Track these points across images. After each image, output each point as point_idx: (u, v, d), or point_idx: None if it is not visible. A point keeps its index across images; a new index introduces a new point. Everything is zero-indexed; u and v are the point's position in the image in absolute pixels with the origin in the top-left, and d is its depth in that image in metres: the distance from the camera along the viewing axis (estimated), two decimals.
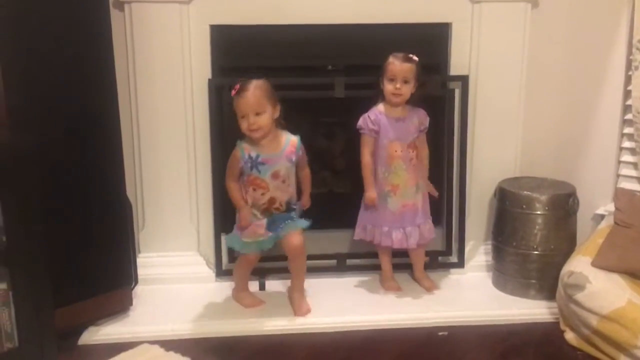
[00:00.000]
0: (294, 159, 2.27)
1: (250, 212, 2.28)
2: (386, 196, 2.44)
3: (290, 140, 2.27)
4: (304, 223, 2.31)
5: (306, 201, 2.42)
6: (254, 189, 2.26)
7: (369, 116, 2.40)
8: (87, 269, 2.15)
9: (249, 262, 2.39)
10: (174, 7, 2.41)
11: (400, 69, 2.34)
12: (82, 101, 2.06)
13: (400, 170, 2.42)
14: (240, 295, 2.45)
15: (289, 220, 2.30)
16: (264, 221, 2.28)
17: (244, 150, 2.24)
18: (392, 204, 2.43)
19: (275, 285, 2.56)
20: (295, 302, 2.38)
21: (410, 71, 2.34)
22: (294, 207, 2.34)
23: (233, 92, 2.19)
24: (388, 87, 2.36)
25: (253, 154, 2.23)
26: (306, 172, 2.40)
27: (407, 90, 2.36)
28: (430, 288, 2.54)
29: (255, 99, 2.16)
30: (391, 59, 2.35)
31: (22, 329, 1.89)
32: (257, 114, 2.17)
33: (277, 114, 2.22)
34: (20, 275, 1.87)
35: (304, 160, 2.36)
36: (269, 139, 2.24)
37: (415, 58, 2.35)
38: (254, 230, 2.28)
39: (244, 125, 2.19)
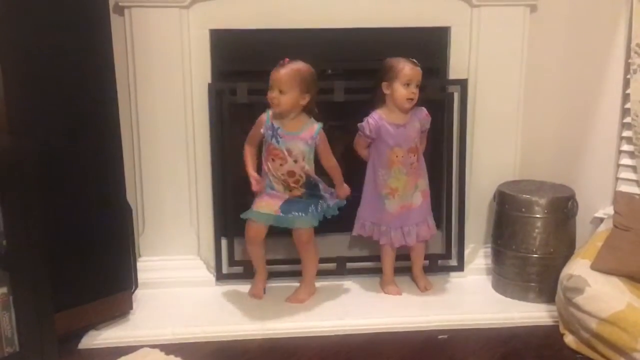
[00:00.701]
0: (309, 142, 2.31)
1: (259, 178, 2.35)
2: (384, 198, 2.44)
3: (309, 126, 2.32)
4: (315, 221, 2.38)
5: (341, 192, 2.42)
6: (273, 159, 2.32)
7: (369, 122, 2.41)
8: (87, 273, 2.15)
9: (253, 234, 2.41)
10: (174, 12, 2.41)
11: (414, 73, 2.34)
12: (82, 105, 2.07)
13: (400, 175, 2.42)
14: (254, 279, 2.52)
15: (303, 214, 2.35)
16: (282, 196, 2.33)
17: (270, 118, 2.31)
18: (390, 205, 2.44)
19: (276, 289, 2.56)
20: (295, 291, 2.48)
21: (421, 75, 2.36)
22: (316, 183, 2.36)
23: (281, 63, 2.27)
24: (402, 92, 2.35)
25: (276, 125, 2.30)
26: (332, 164, 2.40)
27: (418, 94, 2.37)
28: (425, 288, 2.55)
29: (286, 77, 2.23)
30: (401, 64, 2.34)
31: (22, 333, 1.89)
32: (281, 91, 2.24)
33: (304, 101, 2.28)
34: (21, 279, 1.87)
35: (326, 151, 2.37)
36: (290, 118, 2.30)
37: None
38: (268, 202, 2.34)
39: (269, 95, 2.27)
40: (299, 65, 2.27)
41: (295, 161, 2.31)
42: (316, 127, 2.32)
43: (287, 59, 2.27)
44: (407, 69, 2.34)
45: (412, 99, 2.36)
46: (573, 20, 2.60)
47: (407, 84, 2.34)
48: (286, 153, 2.30)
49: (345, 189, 2.42)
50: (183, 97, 2.49)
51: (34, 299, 1.89)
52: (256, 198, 2.38)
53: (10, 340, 1.89)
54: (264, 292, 2.52)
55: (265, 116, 2.33)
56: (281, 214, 2.34)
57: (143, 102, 2.48)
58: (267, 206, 2.35)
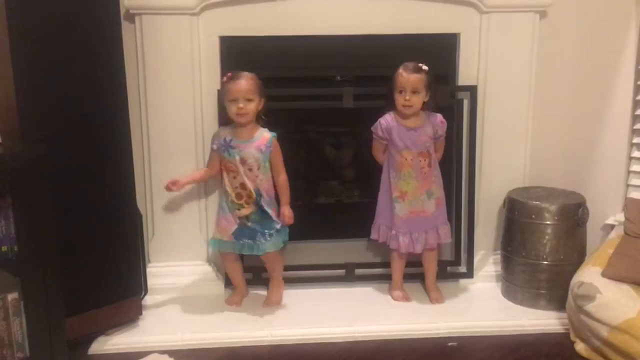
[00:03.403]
0: (263, 149, 2.34)
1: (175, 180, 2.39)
2: (394, 201, 2.44)
3: (263, 134, 2.36)
4: (271, 246, 2.39)
5: (284, 213, 2.39)
6: (227, 173, 2.37)
7: (380, 123, 2.41)
8: (97, 278, 2.16)
9: (228, 260, 2.48)
10: (184, 19, 2.43)
11: (408, 80, 2.33)
12: (93, 112, 2.08)
13: (409, 178, 2.42)
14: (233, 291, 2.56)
15: (252, 242, 2.37)
16: (233, 219, 2.36)
17: (220, 133, 2.39)
18: (400, 209, 2.44)
19: (284, 294, 2.55)
20: (268, 293, 2.54)
21: (420, 81, 2.34)
22: (265, 204, 2.35)
23: (225, 78, 2.34)
24: (398, 99, 2.36)
25: (228, 138, 2.35)
26: (282, 178, 2.41)
27: (418, 100, 2.36)
28: (436, 300, 2.53)
29: (247, 86, 2.30)
30: (400, 70, 2.35)
31: (33, 339, 1.90)
32: (248, 100, 2.29)
33: (260, 107, 2.34)
34: (32, 285, 1.88)
35: (278, 163, 2.40)
36: (245, 128, 2.35)
37: (425, 67, 2.36)
38: (224, 227, 2.39)
39: (232, 109, 2.31)
40: (250, 74, 2.32)
41: (250, 169, 2.32)
42: (269, 135, 2.36)
43: (229, 73, 2.32)
44: (401, 77, 2.34)
45: (407, 106, 2.35)
46: (583, 26, 2.60)
47: (401, 91, 2.35)
48: (239, 163, 2.32)
49: (287, 215, 2.40)
50: (193, 103, 2.50)
51: (45, 304, 1.90)
52: (215, 224, 2.45)
53: (21, 345, 1.90)
54: (240, 304, 2.52)
55: (217, 132, 2.40)
56: (234, 240, 2.38)
57: (153, 108, 2.49)
58: (222, 231, 2.40)
